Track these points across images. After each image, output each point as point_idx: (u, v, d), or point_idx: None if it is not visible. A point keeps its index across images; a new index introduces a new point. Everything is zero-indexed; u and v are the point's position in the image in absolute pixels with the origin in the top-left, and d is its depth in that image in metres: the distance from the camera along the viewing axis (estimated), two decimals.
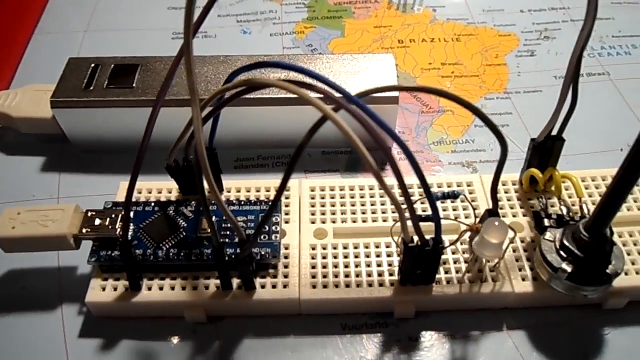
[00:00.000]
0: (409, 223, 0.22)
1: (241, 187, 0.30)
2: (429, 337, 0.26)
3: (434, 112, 0.37)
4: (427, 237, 0.23)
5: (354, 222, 0.29)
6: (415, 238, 0.23)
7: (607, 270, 0.24)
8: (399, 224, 0.22)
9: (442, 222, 0.27)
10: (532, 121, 0.36)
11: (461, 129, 0.36)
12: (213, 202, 0.28)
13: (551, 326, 0.27)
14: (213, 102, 0.23)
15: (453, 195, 0.25)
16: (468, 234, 0.26)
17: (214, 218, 0.24)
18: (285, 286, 0.26)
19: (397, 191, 0.30)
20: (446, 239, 0.26)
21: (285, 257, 0.27)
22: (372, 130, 0.19)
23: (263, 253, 0.26)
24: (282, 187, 0.21)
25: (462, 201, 0.29)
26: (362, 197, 0.30)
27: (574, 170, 0.30)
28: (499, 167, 0.23)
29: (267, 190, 0.30)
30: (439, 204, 0.29)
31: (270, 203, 0.28)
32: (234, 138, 0.34)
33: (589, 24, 0.22)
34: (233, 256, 0.25)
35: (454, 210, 0.29)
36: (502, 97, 0.38)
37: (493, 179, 0.23)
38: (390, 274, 0.27)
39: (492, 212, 0.25)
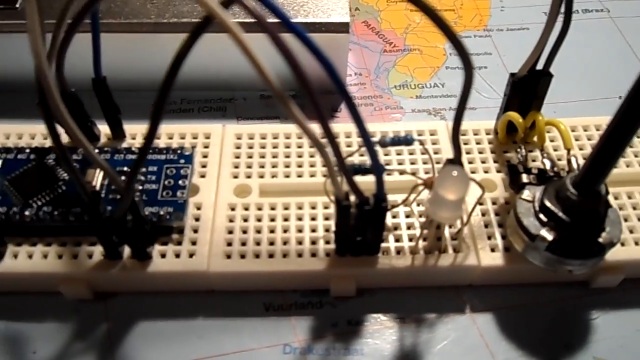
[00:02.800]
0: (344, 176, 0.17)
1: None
2: (373, 321, 0.21)
3: (398, 51, 0.31)
4: (369, 194, 0.18)
5: (287, 177, 0.23)
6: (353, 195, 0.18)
7: (600, 239, 0.18)
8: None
9: (390, 176, 0.22)
10: (515, 63, 0.29)
11: (430, 70, 0.30)
12: (107, 150, 0.23)
13: (525, 309, 0.21)
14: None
15: (405, 141, 0.19)
16: (425, 191, 0.20)
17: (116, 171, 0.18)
18: (191, 255, 0.21)
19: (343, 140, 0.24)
20: (398, 198, 0.21)
21: (196, 220, 0.21)
22: (284, 47, 0.13)
23: (162, 213, 0.21)
24: (154, 127, 0.15)
25: (422, 153, 0.23)
26: (299, 147, 0.24)
27: (572, 118, 0.25)
28: (462, 99, 0.17)
29: (182, 138, 0.24)
30: (389, 152, 0.23)
31: (170, 151, 0.23)
32: (152, 77, 0.27)
33: None
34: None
35: (413, 164, 0.23)
36: (480, 35, 0.31)
37: (455, 117, 0.18)
38: (327, 242, 0.21)
39: (454, 163, 0.19)
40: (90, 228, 0.19)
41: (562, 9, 0.20)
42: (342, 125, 0.25)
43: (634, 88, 0.14)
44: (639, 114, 0.15)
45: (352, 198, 0.18)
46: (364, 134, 0.16)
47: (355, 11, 0.33)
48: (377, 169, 0.17)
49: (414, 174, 0.20)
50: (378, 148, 0.22)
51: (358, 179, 0.18)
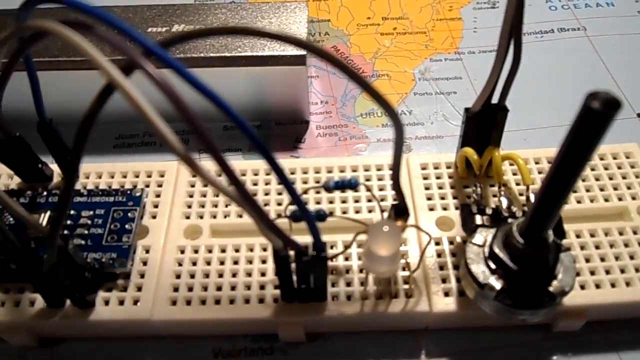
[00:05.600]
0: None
1: (103, 171, 0.24)
2: None
3: (366, 76, 0.30)
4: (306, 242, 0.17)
5: (240, 216, 0.22)
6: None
7: (550, 288, 0.17)
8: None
9: (345, 213, 0.21)
10: None
11: (397, 97, 0.29)
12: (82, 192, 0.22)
13: (484, 354, 0.20)
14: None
15: (349, 185, 0.19)
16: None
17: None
18: (136, 302, 0.20)
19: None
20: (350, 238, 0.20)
21: (144, 264, 0.21)
22: (176, 99, 0.13)
23: (105, 260, 0.20)
24: (72, 174, 0.15)
25: (380, 189, 0.23)
26: (254, 184, 0.23)
27: (536, 149, 0.24)
28: (397, 150, 0.16)
29: (136, 176, 0.24)
30: (336, 196, 0.23)
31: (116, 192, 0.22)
32: (113, 109, 0.27)
33: None
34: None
35: (369, 201, 0.23)
36: (451, 59, 0.31)
37: (393, 165, 0.17)
38: (276, 287, 0.20)
39: (399, 209, 0.18)
40: (26, 278, 0.19)
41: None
42: (300, 161, 0.24)
43: (564, 145, 0.14)
44: (571, 169, 0.14)
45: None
46: (281, 177, 0.15)
47: (324, 36, 0.32)
48: (307, 218, 0.16)
49: (353, 219, 0.19)
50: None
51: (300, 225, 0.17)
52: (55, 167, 0.23)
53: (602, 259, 0.20)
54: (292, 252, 0.17)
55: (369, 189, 0.21)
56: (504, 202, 0.21)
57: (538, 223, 0.16)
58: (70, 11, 0.14)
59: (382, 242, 0.16)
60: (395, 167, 0.17)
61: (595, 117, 0.12)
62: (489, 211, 0.20)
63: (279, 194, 0.23)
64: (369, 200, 0.23)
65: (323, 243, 0.17)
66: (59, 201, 0.15)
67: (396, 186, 0.17)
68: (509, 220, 0.20)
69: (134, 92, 0.13)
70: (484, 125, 0.21)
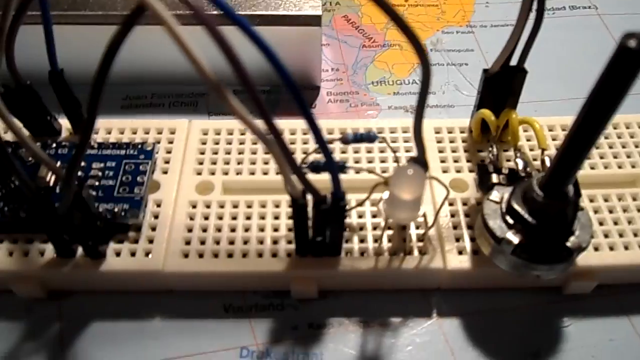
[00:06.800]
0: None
1: (112, 127, 0.23)
2: (335, 325, 0.20)
3: (378, 46, 0.30)
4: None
5: (252, 174, 0.22)
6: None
7: (568, 243, 0.17)
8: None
9: (358, 174, 0.21)
10: None
11: (409, 67, 0.29)
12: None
13: (495, 314, 0.20)
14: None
15: (367, 138, 0.18)
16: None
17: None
18: (147, 254, 0.20)
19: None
20: (364, 196, 0.20)
21: (155, 217, 0.21)
22: (207, 20, 0.12)
23: (117, 210, 0.20)
24: (90, 123, 0.14)
25: (394, 150, 0.23)
26: None
27: (550, 117, 0.24)
28: (422, 96, 0.16)
29: (146, 133, 0.23)
30: (359, 150, 0.23)
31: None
32: (121, 70, 0.27)
33: None
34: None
35: (383, 162, 0.23)
36: (463, 32, 0.31)
37: (415, 114, 0.17)
38: (289, 242, 0.20)
39: (418, 162, 0.18)
40: (38, 225, 0.18)
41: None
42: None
43: (596, 87, 0.14)
44: (602, 113, 0.14)
45: (310, 197, 0.17)
46: (314, 130, 0.15)
47: (335, 5, 0.32)
48: (331, 166, 0.16)
49: (371, 171, 0.19)
50: (341, 145, 0.22)
51: (321, 177, 0.17)
52: (64, 122, 0.23)
53: (615, 223, 0.21)
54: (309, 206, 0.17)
55: (385, 142, 0.21)
56: (520, 164, 0.20)
57: (560, 175, 0.16)
58: None
59: (405, 185, 0.16)
60: (418, 115, 0.16)
61: (631, 56, 0.12)
62: (505, 171, 0.20)
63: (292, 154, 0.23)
64: (383, 161, 0.23)
65: (343, 192, 0.17)
66: (78, 141, 0.15)
67: (417, 133, 0.17)
68: (525, 180, 0.20)
69: (165, 11, 0.12)
70: (501, 87, 0.21)
